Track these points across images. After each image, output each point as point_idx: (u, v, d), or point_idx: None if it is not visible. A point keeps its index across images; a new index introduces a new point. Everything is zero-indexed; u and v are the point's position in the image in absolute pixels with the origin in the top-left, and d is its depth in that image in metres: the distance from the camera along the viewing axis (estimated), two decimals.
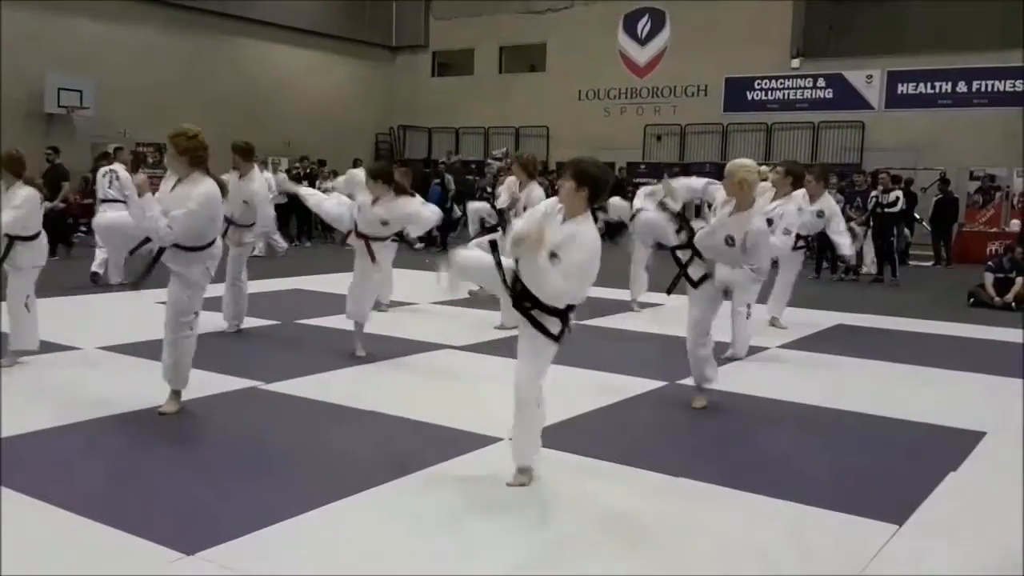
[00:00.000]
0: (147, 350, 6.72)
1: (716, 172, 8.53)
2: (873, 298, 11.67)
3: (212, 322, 8.07)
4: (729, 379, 6.43)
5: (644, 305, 9.66)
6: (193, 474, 4.35)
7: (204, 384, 5.79)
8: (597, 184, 4.06)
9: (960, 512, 4.14)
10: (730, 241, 5.41)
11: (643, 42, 22.76)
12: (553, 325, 4.12)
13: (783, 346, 7.91)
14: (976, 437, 5.26)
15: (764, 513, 4.01)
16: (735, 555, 3.59)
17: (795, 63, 20.92)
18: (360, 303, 7.04)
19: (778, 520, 3.94)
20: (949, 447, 5.07)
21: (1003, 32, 18.92)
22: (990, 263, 11.92)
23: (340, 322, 8.14)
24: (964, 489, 4.43)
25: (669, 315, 8.45)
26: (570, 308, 4.16)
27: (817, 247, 14.73)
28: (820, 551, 3.63)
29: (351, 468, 4.43)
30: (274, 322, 8.39)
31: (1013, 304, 10.97)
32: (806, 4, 21.45)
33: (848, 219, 13.73)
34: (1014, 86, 18.87)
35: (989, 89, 19.14)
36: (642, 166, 21.16)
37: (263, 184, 7.93)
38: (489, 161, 21.47)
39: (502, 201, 8.51)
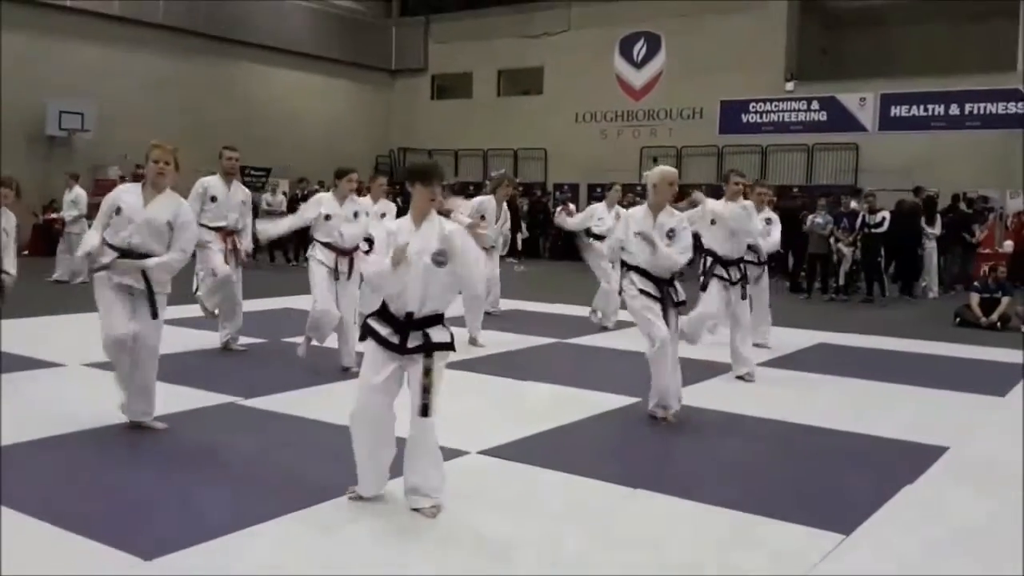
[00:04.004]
0: None
1: (712, 193, 8.63)
2: (860, 318, 11.75)
3: (197, 340, 8.26)
4: (702, 396, 6.55)
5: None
6: (158, 485, 4.45)
7: (183, 400, 5.94)
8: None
9: (909, 524, 4.21)
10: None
11: (639, 66, 22.99)
12: (447, 334, 4.12)
13: (761, 364, 7.97)
14: (938, 452, 5.34)
15: (714, 523, 4.11)
16: (683, 563, 3.68)
17: (789, 86, 21.09)
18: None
19: (727, 530, 4.03)
20: (909, 461, 5.14)
21: (995, 55, 19.09)
22: (976, 283, 12.01)
23: (326, 340, 8.27)
24: (916, 502, 4.51)
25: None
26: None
27: (808, 268, 14.87)
28: (766, 559, 3.72)
29: (312, 480, 4.50)
30: (261, 340, 8.50)
31: (998, 324, 11.05)
32: (799, 28, 21.66)
33: (836, 240, 13.91)
34: (1006, 108, 19.00)
35: (981, 112, 19.27)
36: (638, 187, 21.26)
37: None
38: (487, 182, 21.62)
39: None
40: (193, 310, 8.42)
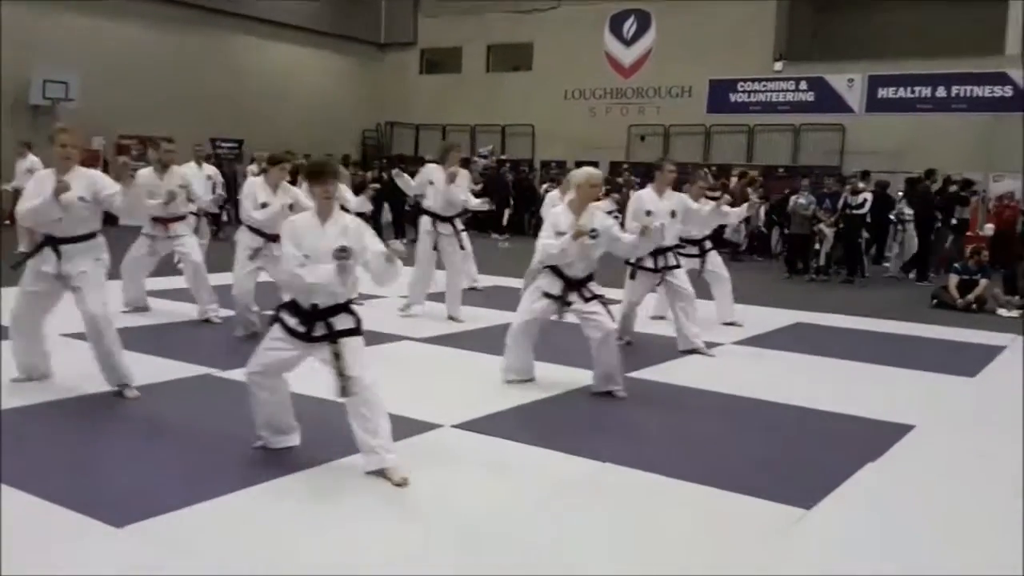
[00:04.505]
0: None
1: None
2: (839, 298, 11.84)
3: (176, 312, 8.31)
4: (672, 373, 6.64)
5: None
6: (130, 455, 4.52)
7: (159, 371, 5.99)
8: None
9: (868, 499, 4.31)
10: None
11: (629, 43, 22.93)
12: (353, 319, 4.29)
13: (735, 342, 8.08)
14: (904, 430, 5.43)
15: (677, 496, 4.20)
16: (644, 533, 3.76)
17: (777, 66, 21.08)
18: None
19: (689, 502, 4.13)
20: (874, 439, 5.23)
21: (982, 38, 19.12)
22: (956, 265, 12.11)
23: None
24: (877, 478, 4.60)
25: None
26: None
27: (789, 247, 14.96)
28: (725, 531, 3.81)
29: (286, 452, 4.54)
30: None
31: (974, 305, 11.16)
32: (789, 8, 21.64)
33: (817, 220, 13.98)
34: (992, 92, 19.05)
35: (968, 95, 19.31)
36: (625, 166, 21.32)
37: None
38: (475, 159, 21.59)
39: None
40: (170, 282, 8.43)
